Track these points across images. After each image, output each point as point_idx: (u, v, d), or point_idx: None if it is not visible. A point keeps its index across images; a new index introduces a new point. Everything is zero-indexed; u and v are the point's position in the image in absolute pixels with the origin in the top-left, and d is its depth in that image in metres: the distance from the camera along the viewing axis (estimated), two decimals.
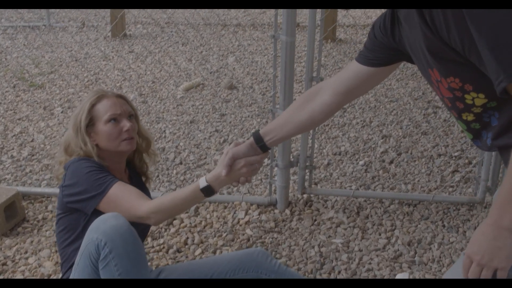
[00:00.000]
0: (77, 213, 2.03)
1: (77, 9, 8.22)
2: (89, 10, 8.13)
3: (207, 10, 8.13)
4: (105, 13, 7.72)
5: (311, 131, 3.11)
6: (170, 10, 8.20)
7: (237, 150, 1.87)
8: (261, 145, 1.87)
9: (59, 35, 6.84)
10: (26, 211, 2.98)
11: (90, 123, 2.13)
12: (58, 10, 8.17)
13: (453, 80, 1.41)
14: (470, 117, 1.50)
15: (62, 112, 4.39)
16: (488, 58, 1.22)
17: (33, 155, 3.68)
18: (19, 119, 4.26)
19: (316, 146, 3.80)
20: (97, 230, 1.78)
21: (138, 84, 5.03)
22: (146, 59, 5.81)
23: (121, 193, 1.98)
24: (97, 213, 1.96)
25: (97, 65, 5.61)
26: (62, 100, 4.63)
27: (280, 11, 2.73)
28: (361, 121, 4.25)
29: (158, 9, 8.22)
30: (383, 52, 1.65)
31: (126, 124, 2.13)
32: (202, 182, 1.89)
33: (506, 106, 1.39)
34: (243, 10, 8.04)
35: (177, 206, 1.94)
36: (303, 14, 7.62)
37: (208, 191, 1.88)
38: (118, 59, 5.81)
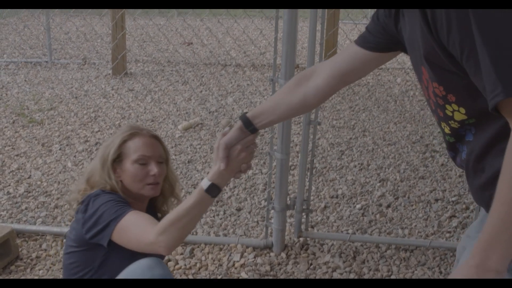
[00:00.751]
0: (96, 249, 1.97)
1: (79, 47, 8.31)
2: (91, 48, 8.21)
3: (207, 50, 8.22)
4: (107, 50, 7.80)
5: (308, 174, 3.11)
6: (171, 49, 8.29)
7: (228, 138, 1.72)
8: (251, 129, 1.74)
9: (60, 72, 6.90)
10: (20, 249, 2.95)
11: (118, 158, 2.08)
12: (60, 47, 8.26)
13: (437, 87, 1.35)
14: (447, 130, 1.44)
15: (60, 149, 4.39)
16: (487, 67, 1.13)
17: (29, 192, 3.66)
18: (16, 155, 4.26)
19: (313, 188, 3.79)
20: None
21: (137, 123, 5.05)
22: (146, 98, 5.84)
23: (133, 220, 1.88)
24: (115, 248, 1.90)
25: (97, 103, 5.64)
26: (60, 137, 4.64)
27: (280, 52, 2.76)
28: (358, 164, 4.25)
29: (159, 49, 8.31)
30: (383, 37, 1.58)
31: (154, 168, 2.07)
32: (205, 183, 1.74)
33: (484, 125, 1.31)
34: (243, 51, 8.12)
35: (185, 218, 1.76)
36: (302, 56, 7.70)
37: (213, 190, 1.74)
38: (117, 97, 5.84)
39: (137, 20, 10.19)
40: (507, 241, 1.14)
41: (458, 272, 1.21)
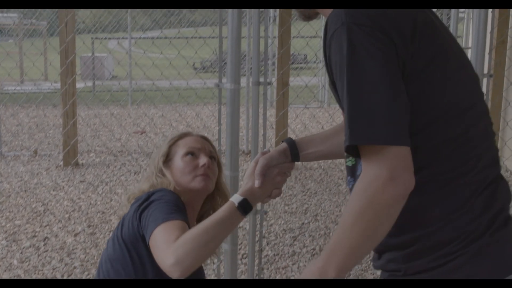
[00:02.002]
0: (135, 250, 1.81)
1: (30, 138, 8.25)
2: (43, 139, 8.16)
3: (160, 139, 8.26)
4: (59, 141, 7.76)
5: (256, 265, 3.09)
6: (123, 138, 8.31)
7: (269, 157, 1.65)
8: (294, 153, 1.69)
9: (10, 164, 6.81)
10: None
11: (168, 158, 2.00)
12: (10, 138, 8.19)
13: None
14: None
15: (6, 246, 4.27)
16: (345, 113, 1.25)
17: None
18: None
19: (265, 277, 3.77)
20: None
21: (88, 215, 4.98)
22: (97, 189, 5.79)
23: (172, 227, 1.65)
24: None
25: (47, 195, 5.55)
26: (7, 233, 4.52)
27: (223, 143, 2.79)
28: (311, 249, 4.26)
29: (111, 137, 8.31)
30: None
31: (203, 159, 1.96)
32: (236, 198, 1.62)
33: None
34: None
35: (207, 235, 1.56)
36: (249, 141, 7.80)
37: (245, 207, 1.61)
38: (68, 189, 5.77)
39: (91, 109, 10.23)
40: (343, 255, 1.29)
41: (307, 270, 1.35)
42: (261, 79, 3.06)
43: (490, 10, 3.23)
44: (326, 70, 1.37)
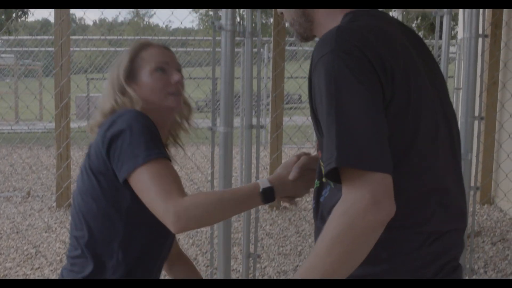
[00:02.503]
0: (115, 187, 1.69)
1: (24, 178, 8.22)
2: (36, 180, 8.13)
3: None
4: (52, 182, 7.73)
5: None
6: None
7: (311, 158, 1.66)
8: None
9: (3, 205, 6.76)
10: None
11: (131, 74, 1.80)
12: (4, 179, 8.15)
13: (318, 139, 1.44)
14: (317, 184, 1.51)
15: None
16: (328, 137, 1.26)
17: None
18: None
19: None
20: None
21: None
22: None
23: (166, 170, 1.59)
24: (128, 189, 1.64)
25: (39, 237, 5.50)
26: None
27: (216, 179, 2.79)
28: None
29: None
30: None
31: (175, 75, 1.81)
32: (264, 183, 1.58)
33: (336, 194, 1.38)
34: (190, 178, 8.18)
35: (220, 205, 1.56)
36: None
37: (268, 195, 1.57)
38: (61, 231, 5.72)
39: (84, 150, 10.21)
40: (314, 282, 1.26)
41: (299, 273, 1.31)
42: (254, 121, 3.07)
43: (479, 53, 3.27)
44: (308, 92, 1.38)
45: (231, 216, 1.68)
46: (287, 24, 1.61)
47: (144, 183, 1.59)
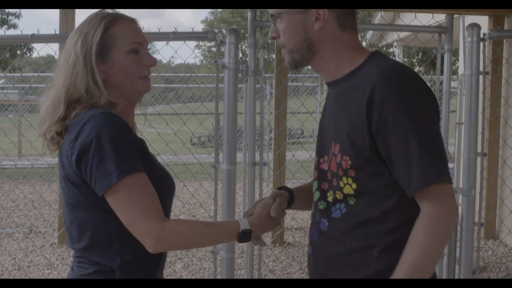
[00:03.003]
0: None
1: (26, 214, 8.19)
2: (38, 216, 8.10)
3: None
4: (54, 218, 7.70)
5: None
6: None
7: (284, 198, 1.86)
8: (290, 204, 1.91)
9: (5, 242, 6.73)
10: None
11: (101, 51, 1.67)
12: (6, 215, 8.13)
13: (347, 160, 1.60)
14: (330, 198, 1.68)
15: None
16: (415, 159, 1.51)
17: None
18: None
19: None
20: None
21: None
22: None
23: (142, 187, 1.56)
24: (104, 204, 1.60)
25: (40, 274, 5.47)
26: None
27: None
28: None
29: None
30: None
31: (150, 58, 1.72)
32: (244, 224, 1.67)
33: (356, 208, 1.62)
34: (192, 214, 8.15)
35: (198, 241, 1.71)
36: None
37: (245, 236, 1.67)
38: (62, 267, 5.69)
39: None
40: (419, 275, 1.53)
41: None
42: (257, 158, 3.08)
43: (481, 90, 3.30)
44: (365, 115, 1.56)
45: (200, 247, 1.83)
46: (286, 59, 1.66)
47: (122, 204, 1.57)
